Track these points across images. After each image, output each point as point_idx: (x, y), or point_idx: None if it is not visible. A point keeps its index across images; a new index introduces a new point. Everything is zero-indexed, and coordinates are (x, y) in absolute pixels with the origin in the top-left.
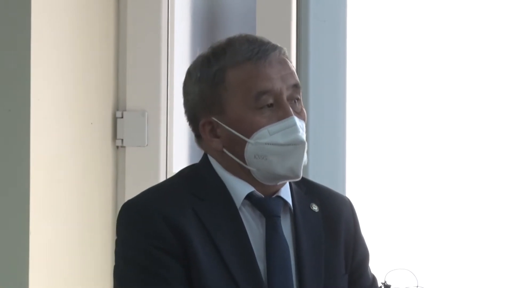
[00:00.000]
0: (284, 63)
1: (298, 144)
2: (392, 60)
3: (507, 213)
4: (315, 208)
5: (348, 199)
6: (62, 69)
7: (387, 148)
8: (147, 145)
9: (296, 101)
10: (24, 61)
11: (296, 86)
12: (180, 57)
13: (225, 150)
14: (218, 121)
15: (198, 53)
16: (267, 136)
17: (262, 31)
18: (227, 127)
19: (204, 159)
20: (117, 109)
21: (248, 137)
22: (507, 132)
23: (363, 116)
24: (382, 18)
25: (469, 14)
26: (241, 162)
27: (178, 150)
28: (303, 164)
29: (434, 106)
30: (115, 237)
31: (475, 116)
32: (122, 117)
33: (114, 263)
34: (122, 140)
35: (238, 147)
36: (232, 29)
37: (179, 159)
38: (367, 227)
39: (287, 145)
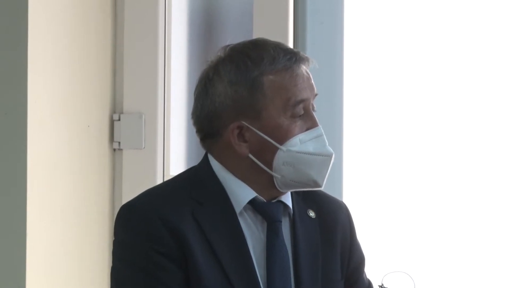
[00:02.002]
0: (309, 73)
1: (327, 156)
2: (390, 61)
3: (503, 215)
4: (312, 214)
5: (344, 204)
6: (59, 71)
7: (384, 151)
8: (144, 147)
9: (314, 110)
10: (21, 64)
11: (315, 96)
12: (177, 60)
13: (250, 156)
14: (250, 126)
15: (220, 52)
16: (298, 144)
17: (259, 33)
18: (259, 133)
19: (205, 161)
20: (114, 112)
21: (281, 144)
22: (505, 134)
23: (360, 118)
24: (380, 19)
25: (466, 17)
26: (266, 168)
27: (175, 153)
28: (327, 175)
29: (431, 109)
30: (112, 240)
31: (471, 120)
32: (119, 120)
33: (111, 265)
34: (119, 142)
35: (268, 153)
36: (230, 32)
37: (176, 162)
38: (365, 230)
39: (316, 155)
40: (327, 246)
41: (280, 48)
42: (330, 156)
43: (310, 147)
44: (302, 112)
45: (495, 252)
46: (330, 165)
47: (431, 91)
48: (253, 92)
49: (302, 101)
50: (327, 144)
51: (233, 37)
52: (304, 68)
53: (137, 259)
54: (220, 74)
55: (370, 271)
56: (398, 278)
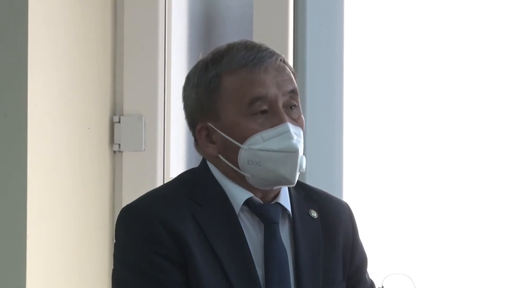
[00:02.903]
0: (281, 69)
1: (292, 152)
2: (389, 63)
3: (504, 217)
4: (314, 214)
5: (347, 204)
6: (59, 73)
7: (384, 152)
8: (144, 149)
9: (293, 107)
10: (21, 66)
11: (293, 92)
12: (177, 62)
13: (220, 156)
14: (213, 127)
15: (200, 57)
16: (260, 142)
17: (259, 35)
18: (221, 133)
19: (203, 164)
20: (114, 114)
21: (242, 143)
22: (508, 136)
23: (360, 119)
24: (379, 20)
25: (466, 18)
26: (235, 168)
27: (175, 155)
28: (298, 170)
29: (432, 109)
30: (112, 242)
31: (473, 121)
32: (119, 122)
33: (111, 268)
34: (119, 145)
35: (232, 153)
36: (230, 33)
37: (176, 164)
38: (364, 232)
39: (280, 152)
40: (329, 247)
41: (245, 47)
42: (294, 152)
43: (273, 145)
44: (264, 108)
45: (496, 254)
46: (297, 160)
47: (430, 91)
48: (211, 93)
49: (259, 98)
50: (294, 140)
51: (233, 39)
52: (270, 64)
53: (138, 262)
54: (189, 78)
55: (370, 273)
56: (398, 280)
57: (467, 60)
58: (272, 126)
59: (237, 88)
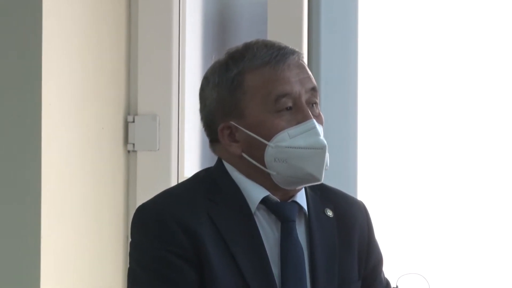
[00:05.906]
0: (302, 67)
1: (320, 148)
2: (403, 65)
3: None
4: (329, 213)
5: (363, 203)
6: (73, 73)
7: (399, 151)
8: (158, 149)
9: (314, 105)
10: (35, 67)
11: (314, 90)
12: (192, 61)
13: (244, 154)
14: (237, 125)
15: (214, 59)
16: (287, 139)
17: (273, 34)
18: (246, 131)
19: (219, 163)
20: (129, 114)
21: (268, 140)
22: None
23: (374, 119)
24: (394, 19)
25: (481, 24)
26: (260, 166)
27: (189, 154)
28: (324, 168)
29: (446, 109)
30: (126, 241)
31: (490, 120)
32: (133, 122)
33: (126, 267)
34: (133, 144)
35: (257, 150)
36: (244, 34)
37: (191, 163)
38: (378, 231)
39: (308, 149)
40: (345, 246)
41: (264, 45)
42: (322, 148)
43: (300, 141)
44: (289, 105)
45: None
46: (325, 157)
47: (445, 90)
48: (234, 91)
49: (284, 95)
50: (321, 136)
51: (247, 38)
52: (292, 62)
53: (152, 261)
54: (208, 78)
55: (385, 273)
56: (413, 280)
57: (483, 62)
58: (297, 123)
59: (261, 86)
